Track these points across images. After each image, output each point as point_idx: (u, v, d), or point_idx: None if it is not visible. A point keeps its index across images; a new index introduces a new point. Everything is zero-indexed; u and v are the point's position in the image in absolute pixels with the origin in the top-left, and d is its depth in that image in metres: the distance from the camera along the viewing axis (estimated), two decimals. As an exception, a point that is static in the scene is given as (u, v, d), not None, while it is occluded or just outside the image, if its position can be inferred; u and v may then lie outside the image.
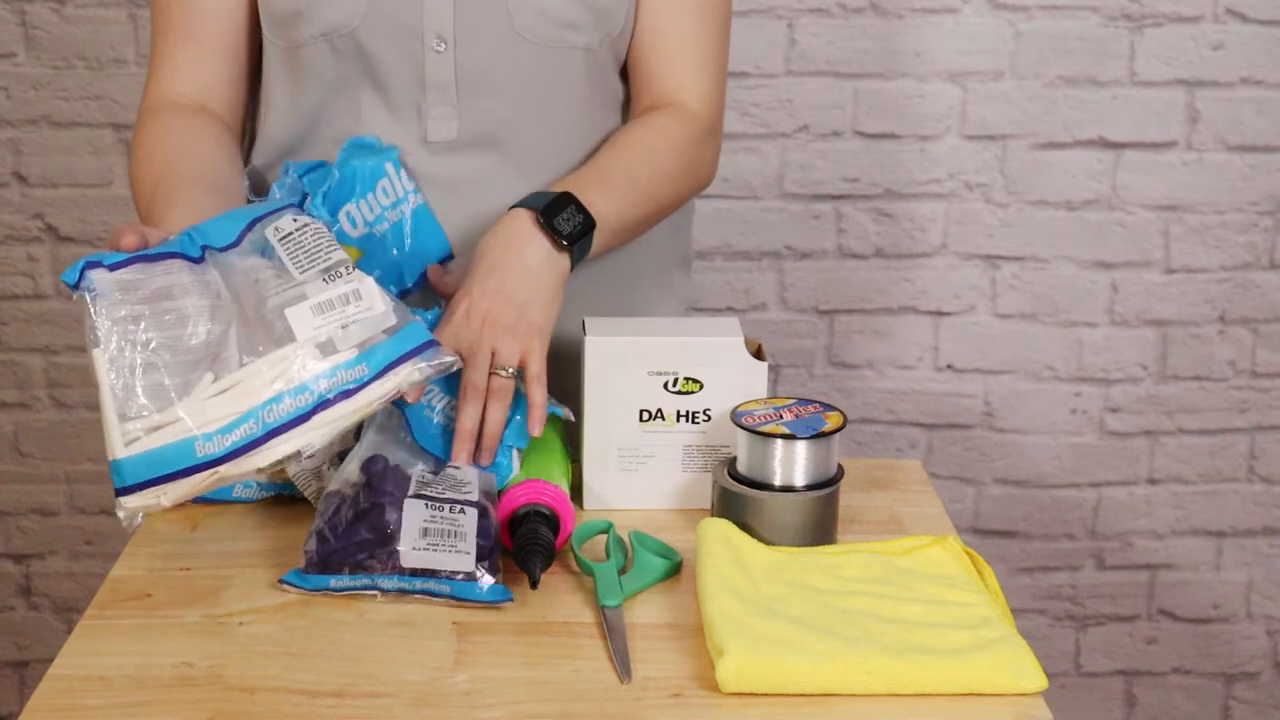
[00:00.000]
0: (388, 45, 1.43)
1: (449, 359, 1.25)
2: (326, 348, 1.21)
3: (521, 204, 1.39)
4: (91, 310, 1.19)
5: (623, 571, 1.30)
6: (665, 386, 1.41)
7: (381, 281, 1.42)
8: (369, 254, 1.44)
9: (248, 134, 1.57)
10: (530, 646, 1.21)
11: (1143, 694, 2.57)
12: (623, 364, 1.40)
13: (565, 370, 1.53)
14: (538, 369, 1.35)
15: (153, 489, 1.19)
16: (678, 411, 1.42)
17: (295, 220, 1.27)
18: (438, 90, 1.44)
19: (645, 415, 1.41)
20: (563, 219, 1.38)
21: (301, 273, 1.23)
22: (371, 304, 1.23)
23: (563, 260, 1.38)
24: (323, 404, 1.20)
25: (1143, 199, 2.38)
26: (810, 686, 1.14)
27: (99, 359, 1.18)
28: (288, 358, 1.20)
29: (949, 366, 2.43)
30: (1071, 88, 2.33)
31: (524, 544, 1.27)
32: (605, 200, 1.42)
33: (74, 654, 1.18)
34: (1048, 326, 2.42)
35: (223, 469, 1.19)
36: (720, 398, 1.41)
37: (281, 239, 1.25)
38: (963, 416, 2.45)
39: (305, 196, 1.43)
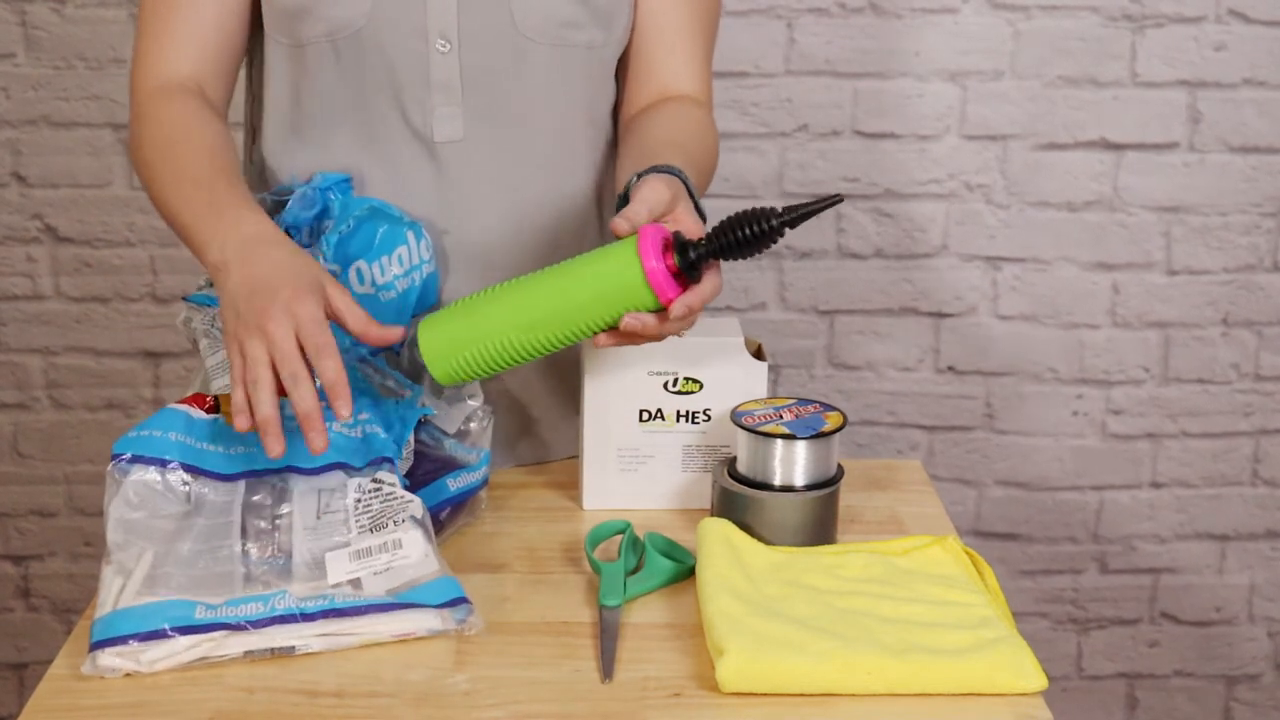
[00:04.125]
0: (392, 44, 1.43)
1: (477, 623, 1.23)
2: (355, 585, 1.21)
3: (659, 170, 1.33)
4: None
5: (634, 573, 1.30)
6: (665, 386, 1.41)
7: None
8: (369, 311, 1.42)
9: (246, 130, 1.56)
10: (530, 646, 1.20)
11: (1145, 696, 2.56)
12: (622, 364, 1.39)
13: (565, 370, 1.53)
14: None
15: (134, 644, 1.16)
16: (678, 411, 1.41)
17: (377, 482, 1.27)
18: (442, 90, 1.44)
19: (645, 415, 1.41)
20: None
21: (359, 531, 1.24)
22: (410, 552, 1.23)
23: None
24: (332, 611, 1.19)
25: (1144, 200, 2.37)
26: (810, 686, 1.13)
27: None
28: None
29: (950, 368, 2.43)
30: (1072, 88, 2.33)
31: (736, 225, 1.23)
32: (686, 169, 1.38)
33: (73, 654, 1.18)
34: (1049, 328, 2.41)
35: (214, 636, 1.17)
36: (720, 398, 1.41)
37: (360, 496, 1.26)
38: (964, 418, 2.44)
39: (325, 212, 1.42)
